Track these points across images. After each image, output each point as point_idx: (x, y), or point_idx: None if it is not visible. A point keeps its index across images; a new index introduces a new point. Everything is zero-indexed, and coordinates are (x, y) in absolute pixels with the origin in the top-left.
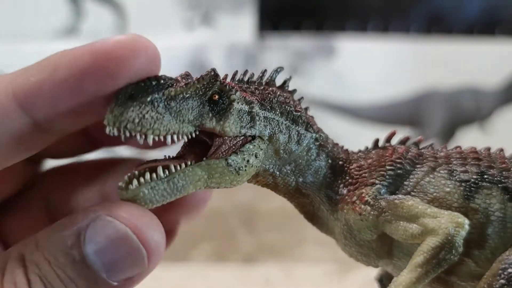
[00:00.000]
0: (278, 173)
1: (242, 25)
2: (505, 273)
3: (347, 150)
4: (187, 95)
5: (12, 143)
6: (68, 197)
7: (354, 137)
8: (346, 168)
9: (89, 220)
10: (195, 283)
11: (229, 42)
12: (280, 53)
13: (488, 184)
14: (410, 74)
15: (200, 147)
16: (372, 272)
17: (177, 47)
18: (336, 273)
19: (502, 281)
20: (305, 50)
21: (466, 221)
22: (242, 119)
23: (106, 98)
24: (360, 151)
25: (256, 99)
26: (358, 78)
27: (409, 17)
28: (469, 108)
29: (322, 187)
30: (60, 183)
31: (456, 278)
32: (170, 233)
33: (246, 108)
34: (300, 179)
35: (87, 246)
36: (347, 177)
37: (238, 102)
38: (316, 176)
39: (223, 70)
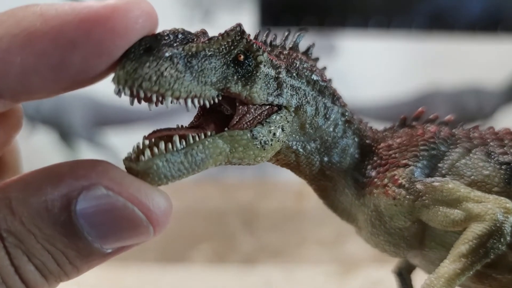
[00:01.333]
0: (302, 150)
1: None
2: None
3: (371, 127)
4: (210, 53)
5: None
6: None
7: None
8: (373, 148)
9: (80, 187)
10: (195, 284)
11: None
12: None
13: None
14: (412, 73)
15: (216, 117)
16: (373, 273)
17: None
18: (337, 274)
19: None
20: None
21: None
22: (269, 85)
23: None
24: (386, 129)
25: (283, 63)
26: (359, 77)
27: (411, 15)
28: (472, 107)
29: (349, 169)
30: None
31: (492, 270)
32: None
33: (273, 72)
34: (325, 159)
35: (79, 216)
36: (375, 158)
37: (265, 65)
38: (343, 155)
39: None
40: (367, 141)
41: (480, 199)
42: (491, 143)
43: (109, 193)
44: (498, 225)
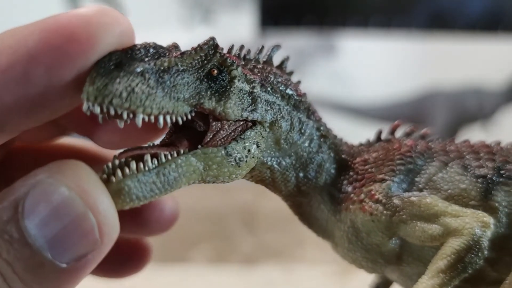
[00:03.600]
0: (277, 166)
1: (242, 23)
2: None
3: (347, 142)
4: (183, 68)
5: None
6: None
7: (356, 137)
8: (350, 163)
9: (29, 186)
10: (195, 284)
11: (229, 40)
12: (281, 52)
13: (506, 180)
14: (412, 72)
15: (189, 134)
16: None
17: None
18: (337, 274)
19: None
20: (306, 48)
21: (492, 220)
22: (243, 100)
23: (66, 87)
24: (361, 144)
25: (258, 78)
26: (359, 76)
27: (412, 15)
28: (472, 107)
29: (325, 184)
30: (28, 164)
31: (470, 285)
32: (143, 252)
33: (248, 87)
34: (301, 175)
35: (26, 219)
36: (351, 173)
37: (239, 80)
38: (319, 171)
39: None
40: (343, 156)
41: (458, 214)
42: (467, 156)
43: (55, 183)
44: (476, 239)
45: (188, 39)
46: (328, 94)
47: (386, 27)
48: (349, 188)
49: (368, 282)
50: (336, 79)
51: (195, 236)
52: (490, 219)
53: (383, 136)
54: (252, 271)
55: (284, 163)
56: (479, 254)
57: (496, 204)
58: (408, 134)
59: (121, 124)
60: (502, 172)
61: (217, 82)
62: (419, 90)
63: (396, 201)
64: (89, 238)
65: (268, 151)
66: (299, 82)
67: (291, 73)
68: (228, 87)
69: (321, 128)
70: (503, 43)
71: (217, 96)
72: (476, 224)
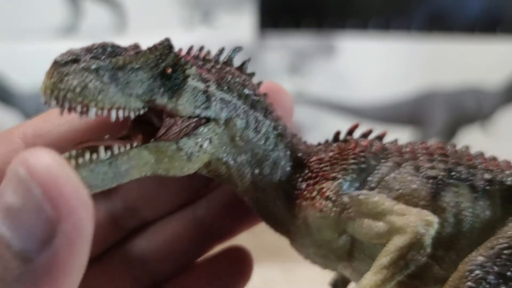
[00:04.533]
0: (232, 162)
1: (242, 24)
2: (472, 275)
3: (306, 142)
4: (137, 66)
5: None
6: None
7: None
8: (305, 161)
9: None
10: None
11: (229, 41)
12: (280, 52)
13: (455, 181)
14: (411, 73)
15: (148, 129)
16: None
17: (177, 46)
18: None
19: (469, 283)
20: (305, 49)
21: (436, 219)
22: (197, 98)
23: None
24: (320, 143)
25: (213, 77)
26: (359, 77)
27: (410, 16)
28: (471, 108)
29: (280, 181)
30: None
31: (418, 282)
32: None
33: (202, 86)
34: (257, 171)
35: None
36: (307, 171)
37: (193, 79)
38: (274, 168)
39: None
40: (299, 155)
41: (403, 212)
42: (420, 158)
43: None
44: (418, 237)
45: (188, 40)
46: (327, 95)
47: (386, 28)
48: (303, 186)
49: None
50: (336, 80)
51: None
52: (434, 218)
53: (341, 137)
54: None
55: (239, 159)
56: (421, 252)
57: (445, 205)
58: (365, 135)
59: (81, 118)
60: (452, 174)
61: (171, 80)
62: (418, 91)
63: (345, 199)
64: (41, 214)
65: (223, 147)
66: (260, 83)
67: (252, 74)
68: (182, 85)
69: (278, 127)
70: (502, 44)
71: (170, 93)
72: (420, 223)
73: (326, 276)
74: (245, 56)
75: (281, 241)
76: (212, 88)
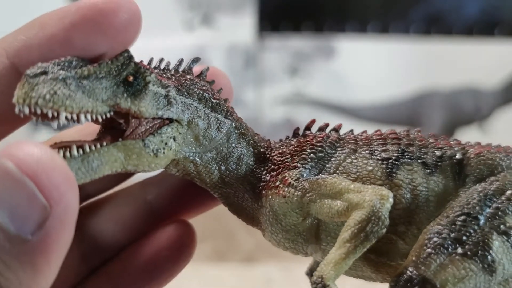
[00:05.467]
0: (199, 160)
1: (242, 26)
2: (431, 242)
3: (268, 140)
4: (101, 75)
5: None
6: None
7: None
8: (268, 155)
9: None
10: (195, 283)
11: (229, 42)
12: (280, 54)
13: (408, 160)
14: (409, 75)
15: (118, 133)
16: None
17: (177, 48)
18: None
19: (429, 250)
20: (304, 50)
21: (390, 194)
22: (159, 101)
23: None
24: (281, 140)
25: (172, 83)
26: (357, 78)
27: (409, 18)
28: (469, 108)
29: (246, 175)
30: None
31: (386, 258)
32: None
33: (163, 91)
34: (223, 167)
35: None
36: (270, 164)
37: (154, 85)
38: (239, 163)
39: (223, 70)
40: (262, 150)
41: (360, 190)
42: (374, 143)
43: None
44: (375, 210)
45: (189, 41)
46: (326, 96)
47: (384, 31)
48: (268, 177)
49: (368, 281)
50: (335, 81)
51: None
52: (388, 193)
53: (301, 133)
54: (252, 269)
55: (205, 157)
56: (380, 224)
57: (400, 182)
58: (321, 129)
59: (53, 125)
60: (405, 154)
61: (133, 87)
62: (416, 92)
63: (305, 183)
64: (35, 203)
65: (189, 146)
66: (220, 89)
67: (212, 82)
68: (143, 90)
69: (239, 126)
70: (500, 46)
71: (132, 98)
72: (376, 198)
73: None
74: (245, 57)
75: None
76: (172, 92)
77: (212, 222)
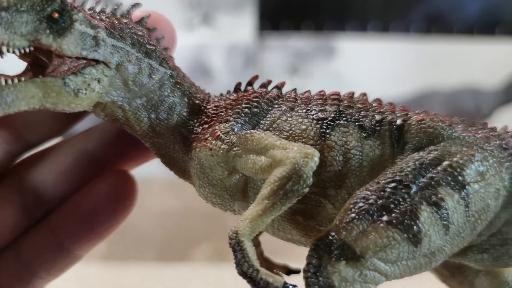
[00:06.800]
0: (127, 106)
1: (242, 25)
2: (356, 207)
3: (209, 93)
4: (22, 9)
5: None
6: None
7: None
8: (203, 108)
9: None
10: (195, 283)
11: (229, 42)
12: (280, 53)
13: (345, 122)
14: (409, 74)
15: (43, 71)
16: None
17: (178, 47)
18: None
19: (353, 215)
20: (305, 50)
21: (316, 153)
22: (85, 41)
23: None
24: (222, 94)
25: (104, 25)
26: (357, 78)
27: (409, 17)
28: (469, 108)
29: (177, 126)
30: (31, 170)
31: (315, 222)
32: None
33: (91, 32)
34: (153, 116)
35: None
36: (203, 116)
37: (81, 24)
38: (170, 113)
39: (223, 70)
40: (197, 101)
41: (285, 147)
42: (314, 103)
43: None
44: (297, 168)
45: (189, 41)
46: None
47: (384, 30)
48: (199, 129)
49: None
50: (335, 80)
51: (195, 235)
52: (314, 151)
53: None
54: None
55: (135, 103)
56: (301, 182)
57: (333, 144)
58: (264, 86)
59: None
60: (342, 115)
61: (58, 24)
62: (417, 92)
63: (234, 137)
64: None
65: (118, 91)
66: (162, 37)
67: (153, 29)
68: (68, 28)
69: (175, 75)
70: (500, 45)
71: (55, 35)
72: (299, 155)
73: None
74: (245, 56)
75: (281, 241)
76: (102, 34)
77: (212, 222)
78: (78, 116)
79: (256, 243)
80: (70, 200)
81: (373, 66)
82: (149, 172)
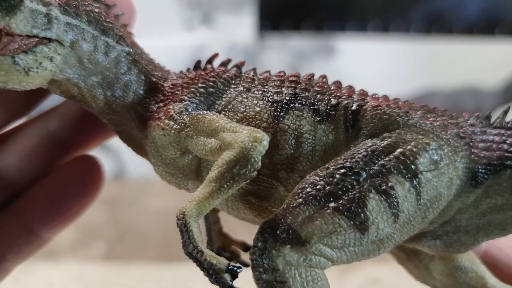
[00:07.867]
0: (83, 84)
1: (242, 25)
2: (303, 192)
3: (168, 70)
4: None
5: None
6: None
7: None
8: (160, 86)
9: None
10: (195, 283)
11: (229, 42)
12: (280, 53)
13: (299, 106)
14: (409, 74)
15: None
16: (371, 272)
17: (177, 47)
18: (336, 272)
19: (300, 200)
20: (305, 50)
21: (266, 137)
22: (36, 19)
23: None
24: (181, 72)
25: (57, 2)
26: (358, 78)
27: (409, 17)
28: (469, 108)
29: (133, 103)
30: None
31: (267, 203)
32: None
33: (43, 9)
34: (109, 93)
35: None
36: (160, 95)
37: (32, 1)
38: (126, 91)
39: None
40: (154, 79)
41: (235, 130)
42: (271, 84)
43: None
44: (245, 152)
45: (189, 41)
46: None
47: (384, 30)
48: (154, 108)
49: (366, 280)
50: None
51: None
52: (263, 136)
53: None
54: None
55: (90, 81)
56: (248, 166)
57: (286, 127)
58: (223, 64)
59: None
60: (298, 98)
61: (7, 2)
62: (417, 91)
63: (186, 118)
64: None
65: (73, 69)
66: (121, 14)
67: (112, 6)
68: (18, 6)
69: (133, 53)
70: (500, 45)
71: (4, 13)
72: (248, 139)
73: (326, 274)
74: (245, 56)
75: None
76: (55, 11)
77: None
78: (42, 95)
79: (215, 219)
80: (37, 184)
81: (373, 66)
82: (150, 173)
